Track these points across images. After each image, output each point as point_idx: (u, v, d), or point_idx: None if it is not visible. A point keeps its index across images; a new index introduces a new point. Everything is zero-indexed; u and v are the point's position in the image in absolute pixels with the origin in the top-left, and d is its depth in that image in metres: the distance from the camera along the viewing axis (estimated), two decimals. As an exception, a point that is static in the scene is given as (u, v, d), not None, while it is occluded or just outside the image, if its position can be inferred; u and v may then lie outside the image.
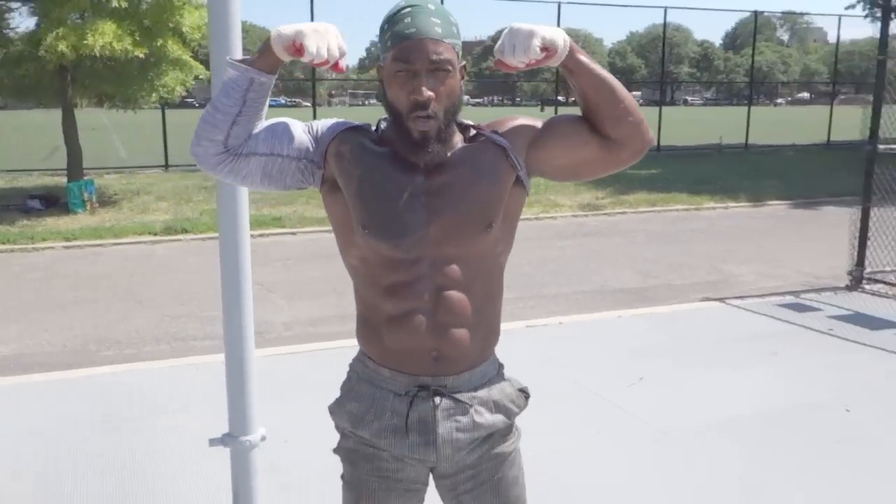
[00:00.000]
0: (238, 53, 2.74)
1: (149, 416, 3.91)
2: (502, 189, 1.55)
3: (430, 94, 1.44)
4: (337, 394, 1.68)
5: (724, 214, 11.46)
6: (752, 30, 24.87)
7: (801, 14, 40.17)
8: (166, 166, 16.44)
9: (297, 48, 1.41)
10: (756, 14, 23.77)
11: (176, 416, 3.91)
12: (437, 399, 1.54)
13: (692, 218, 11.12)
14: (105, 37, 9.44)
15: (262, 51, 1.45)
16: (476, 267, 1.55)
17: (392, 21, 1.46)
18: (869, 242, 6.61)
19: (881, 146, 6.46)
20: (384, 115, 1.57)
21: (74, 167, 11.30)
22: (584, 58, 1.49)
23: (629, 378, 4.45)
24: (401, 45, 1.44)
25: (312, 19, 18.06)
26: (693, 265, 7.96)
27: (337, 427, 1.68)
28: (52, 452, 3.51)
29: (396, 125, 1.50)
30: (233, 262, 2.89)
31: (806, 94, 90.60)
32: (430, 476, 1.67)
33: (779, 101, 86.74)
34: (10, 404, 4.09)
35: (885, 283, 6.57)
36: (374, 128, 1.60)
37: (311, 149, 1.54)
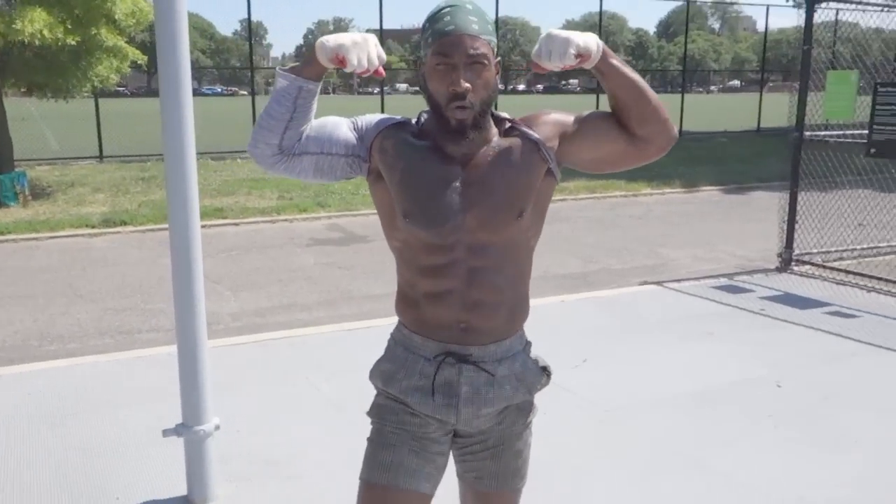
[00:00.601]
0: (185, 44, 2.74)
1: (96, 410, 3.87)
2: (533, 180, 1.68)
3: (468, 85, 1.56)
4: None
5: (660, 200, 11.79)
6: (684, 18, 25.45)
7: (732, 3, 41.24)
8: (101, 157, 16.06)
9: (340, 60, 1.55)
10: (688, 3, 24.34)
11: (125, 409, 3.89)
12: (462, 366, 1.68)
13: (630, 204, 11.41)
14: (35, 24, 9.17)
15: (308, 61, 1.59)
16: (507, 251, 1.68)
17: (433, 20, 1.59)
18: (797, 226, 6.91)
19: (807, 133, 6.74)
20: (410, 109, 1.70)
21: (5, 159, 10.95)
22: (615, 62, 1.64)
23: (573, 360, 4.58)
24: (441, 41, 1.56)
25: (249, 9, 17.78)
26: (632, 250, 8.19)
27: (375, 388, 1.82)
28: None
29: (436, 115, 1.63)
30: (184, 252, 2.90)
31: (737, 82, 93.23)
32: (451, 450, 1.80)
33: (711, 88, 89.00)
34: (-50, 402, 4.00)
35: (812, 264, 6.88)
36: (414, 121, 1.73)
37: (356, 144, 1.68)
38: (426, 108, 1.69)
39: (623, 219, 10.14)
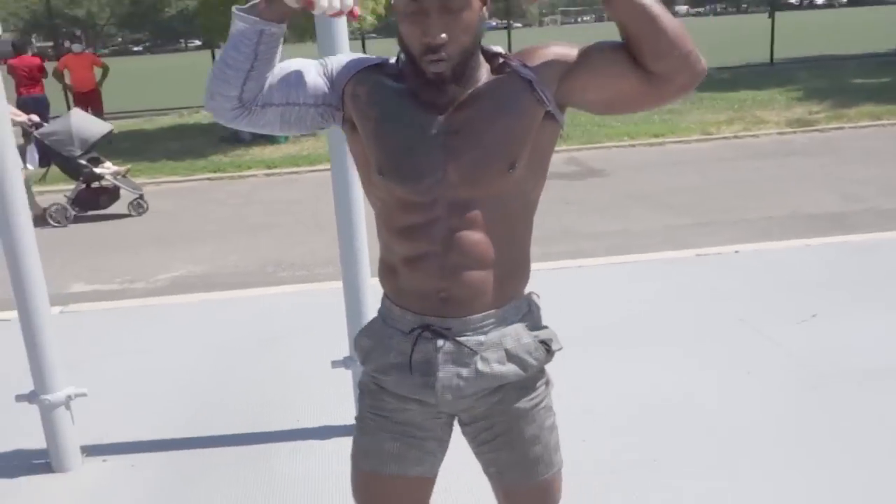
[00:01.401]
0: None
1: (294, 337, 4.14)
2: (527, 125, 1.42)
3: (443, 35, 1.34)
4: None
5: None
6: None
7: None
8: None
9: (307, 1, 1.32)
10: None
11: (315, 338, 4.10)
12: (441, 342, 1.47)
13: (925, 132, 9.73)
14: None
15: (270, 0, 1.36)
16: (497, 208, 1.45)
17: None
18: None
19: None
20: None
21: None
22: None
23: (801, 315, 4.02)
24: None
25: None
26: (913, 187, 6.99)
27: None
28: (215, 366, 3.84)
29: (411, 64, 1.42)
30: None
31: None
32: (449, 432, 1.61)
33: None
34: (192, 319, 4.51)
35: None
36: (394, 60, 1.50)
37: (327, 92, 1.48)
38: None
39: (911, 150, 8.68)
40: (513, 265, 1.50)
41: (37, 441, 3.02)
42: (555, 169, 8.62)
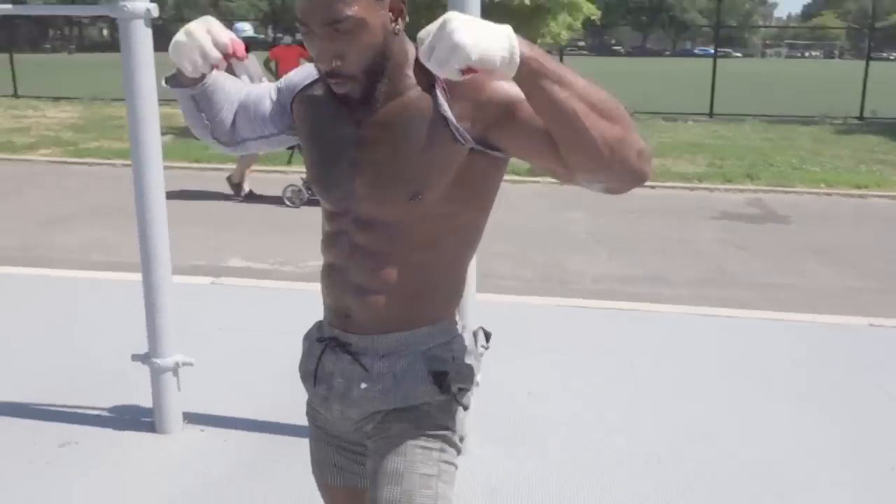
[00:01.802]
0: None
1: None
2: (437, 158, 1.30)
3: (336, 62, 1.25)
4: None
5: None
6: None
7: None
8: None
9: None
10: None
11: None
12: (342, 354, 1.44)
13: None
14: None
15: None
16: (402, 233, 1.36)
17: None
18: None
19: None
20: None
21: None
22: (542, 79, 1.12)
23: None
24: (299, 2, 1.24)
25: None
26: None
27: None
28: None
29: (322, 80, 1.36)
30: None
31: None
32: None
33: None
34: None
35: None
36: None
37: (284, 116, 1.50)
38: None
39: None
40: (425, 290, 1.39)
41: (146, 400, 3.20)
42: (733, 209, 8.19)
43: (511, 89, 1.24)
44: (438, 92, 1.30)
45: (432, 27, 1.11)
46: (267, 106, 1.49)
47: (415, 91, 1.32)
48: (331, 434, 1.52)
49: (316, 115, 1.43)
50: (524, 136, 1.26)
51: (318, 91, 1.43)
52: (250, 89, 1.51)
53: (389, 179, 1.33)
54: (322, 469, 1.55)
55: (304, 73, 1.49)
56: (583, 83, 1.14)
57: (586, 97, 1.13)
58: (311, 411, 1.56)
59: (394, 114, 1.33)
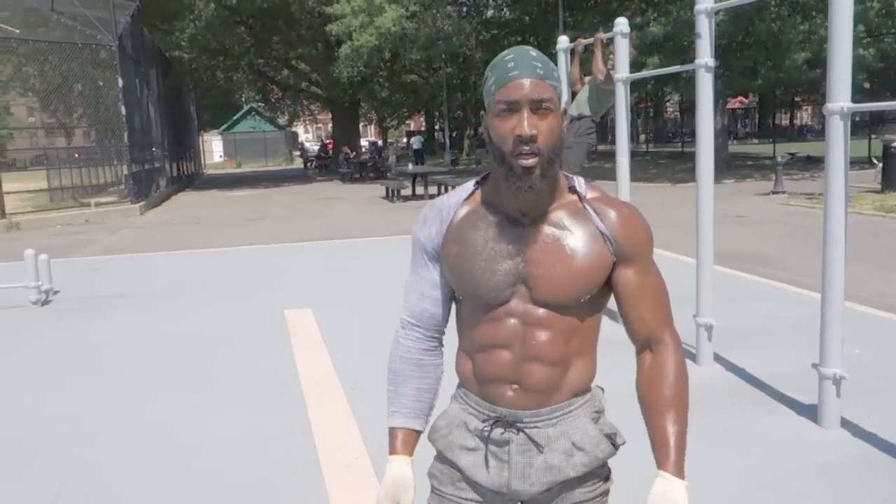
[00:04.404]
0: None
1: None
2: (598, 267, 1.52)
3: (534, 130, 1.43)
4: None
5: None
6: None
7: None
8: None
9: None
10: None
11: None
12: (513, 433, 1.57)
13: None
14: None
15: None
16: (567, 322, 1.55)
17: (495, 67, 1.49)
18: None
19: None
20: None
21: None
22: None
23: None
24: (505, 86, 1.45)
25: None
26: None
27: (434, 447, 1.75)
28: None
29: (500, 166, 1.49)
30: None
31: None
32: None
33: None
34: None
35: None
36: (473, 185, 1.63)
37: (440, 269, 1.64)
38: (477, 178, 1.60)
39: None
40: (581, 362, 1.57)
41: (814, 398, 3.98)
42: None
43: (648, 244, 1.57)
44: (588, 208, 1.54)
45: (662, 488, 1.45)
46: (426, 273, 1.65)
47: (571, 198, 1.55)
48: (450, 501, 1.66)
49: (467, 231, 1.57)
50: (635, 292, 1.55)
51: (463, 211, 1.60)
52: (412, 281, 1.68)
53: (563, 283, 1.50)
54: None
55: (432, 218, 1.62)
56: (686, 415, 1.50)
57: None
58: (457, 492, 1.64)
59: (561, 217, 1.53)
